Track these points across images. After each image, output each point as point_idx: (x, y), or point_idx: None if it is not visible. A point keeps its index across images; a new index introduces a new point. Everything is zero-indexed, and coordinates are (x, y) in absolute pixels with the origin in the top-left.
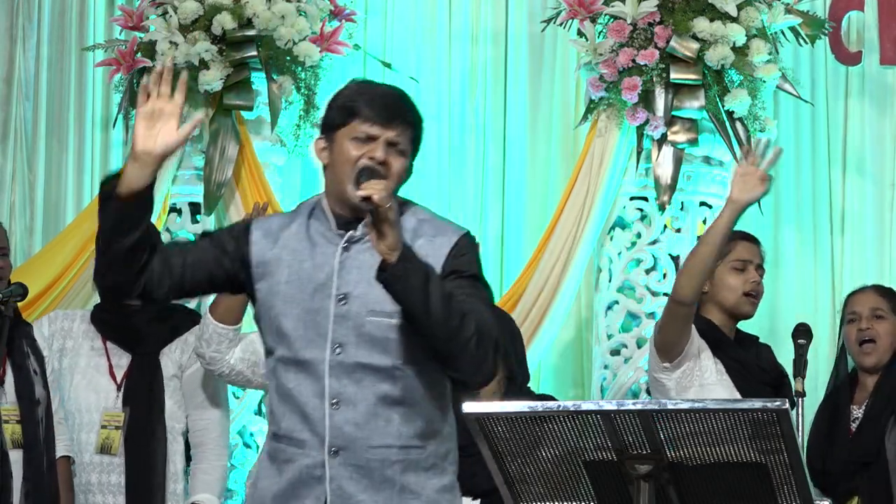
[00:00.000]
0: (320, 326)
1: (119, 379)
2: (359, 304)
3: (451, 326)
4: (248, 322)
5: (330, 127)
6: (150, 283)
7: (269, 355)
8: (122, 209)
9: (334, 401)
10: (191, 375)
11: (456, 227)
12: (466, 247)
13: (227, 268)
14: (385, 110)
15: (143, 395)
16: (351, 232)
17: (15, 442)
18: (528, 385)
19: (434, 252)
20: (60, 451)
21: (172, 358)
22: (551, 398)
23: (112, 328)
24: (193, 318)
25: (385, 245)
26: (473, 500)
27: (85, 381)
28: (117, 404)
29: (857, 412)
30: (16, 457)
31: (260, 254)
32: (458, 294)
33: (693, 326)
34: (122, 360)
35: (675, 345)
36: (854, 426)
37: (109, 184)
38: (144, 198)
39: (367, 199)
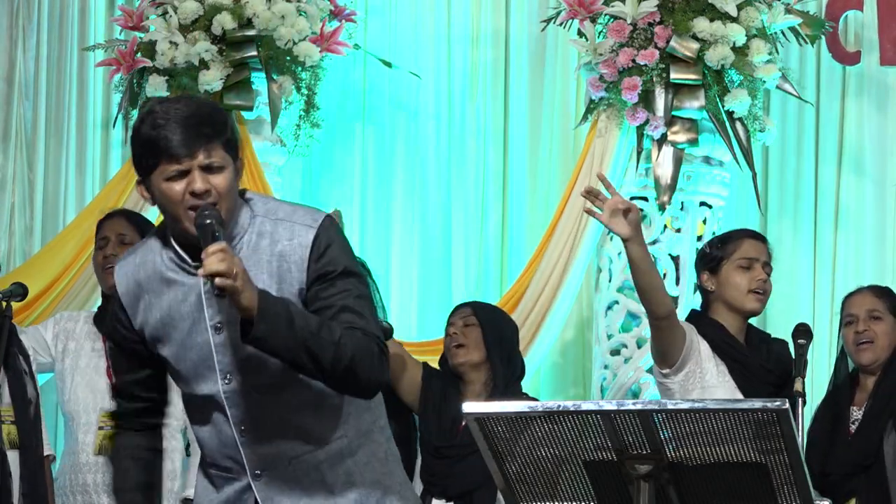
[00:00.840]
0: (206, 359)
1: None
2: (232, 329)
3: (327, 362)
4: None
5: (142, 171)
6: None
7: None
8: None
9: (242, 427)
10: None
11: (310, 218)
12: (325, 241)
13: (143, 348)
14: (184, 140)
15: None
16: None
17: (12, 442)
18: (520, 383)
19: (295, 257)
20: (45, 450)
21: None
22: (534, 400)
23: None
24: None
25: (240, 308)
26: (447, 502)
27: (84, 382)
28: (113, 404)
29: (857, 414)
30: (12, 456)
31: (137, 313)
32: (330, 303)
33: (689, 328)
34: None
35: (669, 351)
36: (853, 428)
37: None
38: None
39: (210, 277)
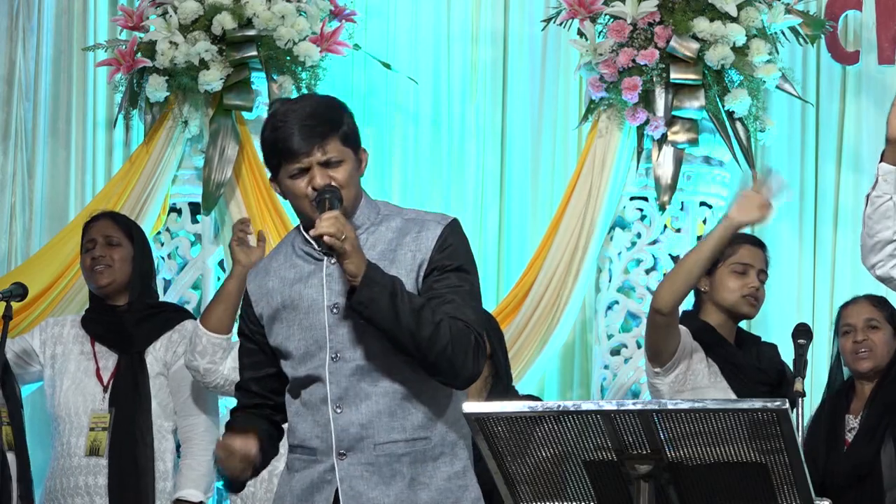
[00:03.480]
0: (319, 340)
1: (106, 380)
2: (349, 312)
3: (424, 339)
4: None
5: (271, 170)
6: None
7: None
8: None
9: (337, 405)
10: (177, 372)
11: (441, 217)
12: (451, 237)
13: (265, 339)
14: (300, 139)
15: (128, 394)
16: None
17: (9, 444)
18: (514, 385)
19: (420, 247)
20: None
21: (157, 356)
22: (537, 398)
23: (100, 330)
24: (181, 314)
25: (348, 273)
26: None
27: (73, 385)
28: (104, 405)
29: (854, 422)
30: (12, 458)
31: (257, 293)
32: (441, 293)
33: (684, 331)
34: (110, 362)
35: (661, 351)
36: (850, 437)
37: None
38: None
39: (319, 237)
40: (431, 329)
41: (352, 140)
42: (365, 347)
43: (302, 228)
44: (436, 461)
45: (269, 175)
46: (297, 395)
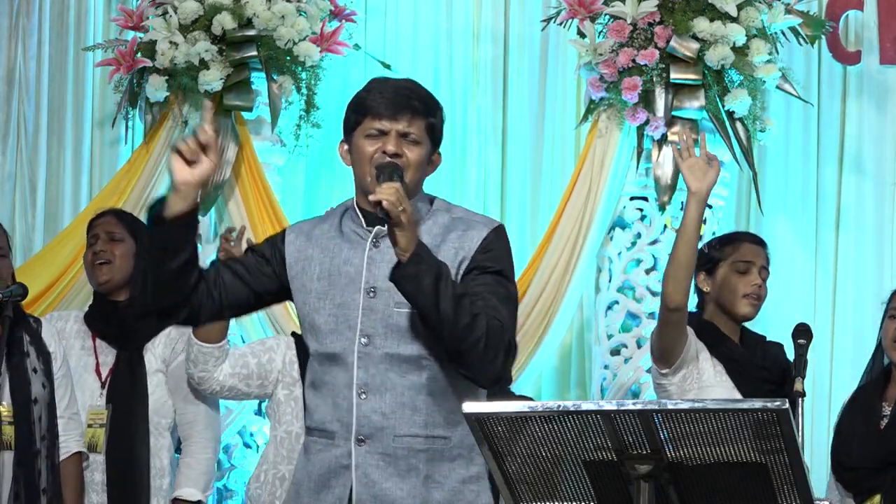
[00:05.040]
0: (350, 319)
1: (104, 376)
2: (386, 296)
3: (459, 327)
4: (234, 337)
5: (348, 129)
6: (196, 306)
7: (310, 354)
8: (170, 232)
9: (362, 390)
10: (175, 369)
11: (489, 220)
12: (495, 241)
13: (269, 274)
14: (392, 104)
15: (125, 391)
16: (378, 227)
17: (6, 443)
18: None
19: (464, 246)
20: (72, 447)
21: (155, 353)
22: (530, 399)
23: (101, 325)
24: None
25: (399, 246)
26: None
27: (74, 381)
28: (101, 402)
29: (888, 409)
30: (10, 458)
31: (294, 252)
32: (477, 291)
33: (689, 330)
34: (110, 358)
35: (671, 351)
36: (884, 423)
37: (155, 209)
38: (189, 220)
39: (379, 203)
40: (469, 319)
41: (435, 134)
42: (399, 337)
43: (356, 201)
44: (452, 462)
45: (342, 138)
46: (317, 372)
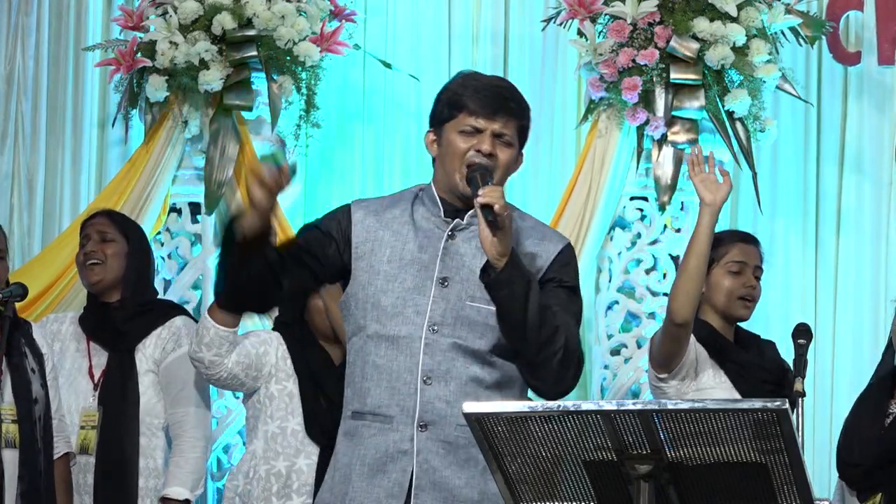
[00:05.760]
0: (419, 305)
1: (97, 378)
2: (459, 288)
3: (541, 338)
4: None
5: (438, 120)
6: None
7: (356, 334)
8: (252, 247)
9: (427, 377)
10: (168, 367)
11: (560, 234)
12: (569, 256)
13: (333, 254)
14: (490, 103)
15: (116, 392)
16: (457, 220)
17: (10, 441)
18: None
19: (541, 254)
20: (61, 448)
21: (147, 353)
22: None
23: (94, 327)
24: (172, 310)
25: (497, 251)
26: None
27: (67, 383)
28: (93, 403)
29: (895, 407)
30: (10, 457)
31: (363, 232)
32: (553, 305)
33: (691, 336)
34: (102, 360)
35: (671, 360)
36: (889, 421)
37: (230, 232)
38: (269, 233)
39: (487, 206)
40: (551, 331)
41: (523, 136)
42: (468, 330)
43: (433, 189)
44: None
45: (429, 128)
46: (373, 354)
